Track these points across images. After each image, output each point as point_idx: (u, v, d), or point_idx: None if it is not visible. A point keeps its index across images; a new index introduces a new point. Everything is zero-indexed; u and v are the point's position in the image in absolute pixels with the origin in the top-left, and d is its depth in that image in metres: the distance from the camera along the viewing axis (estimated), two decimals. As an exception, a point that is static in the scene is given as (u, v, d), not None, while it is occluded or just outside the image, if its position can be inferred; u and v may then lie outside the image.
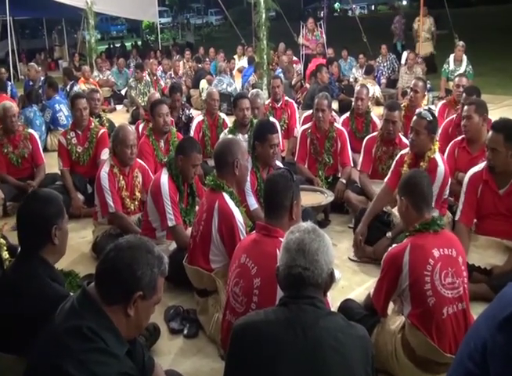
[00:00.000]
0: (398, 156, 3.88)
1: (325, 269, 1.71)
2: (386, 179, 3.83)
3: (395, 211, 3.73)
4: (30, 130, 5.45)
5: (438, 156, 3.62)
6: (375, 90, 8.97)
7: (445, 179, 3.53)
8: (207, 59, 11.86)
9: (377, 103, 8.82)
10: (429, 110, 3.90)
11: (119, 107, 10.74)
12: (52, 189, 2.39)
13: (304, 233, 1.75)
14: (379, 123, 5.33)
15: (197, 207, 3.75)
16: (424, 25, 11.69)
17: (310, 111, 5.69)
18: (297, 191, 2.38)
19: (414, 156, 3.72)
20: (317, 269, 1.69)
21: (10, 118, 5.14)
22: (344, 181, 4.68)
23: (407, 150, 3.81)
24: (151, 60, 11.05)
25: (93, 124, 5.19)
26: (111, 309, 1.60)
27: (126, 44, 25.21)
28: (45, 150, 6.19)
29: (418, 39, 11.53)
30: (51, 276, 2.08)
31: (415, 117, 3.70)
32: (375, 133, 4.61)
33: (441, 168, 3.55)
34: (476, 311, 2.40)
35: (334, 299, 2.49)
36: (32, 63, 11.03)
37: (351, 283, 3.48)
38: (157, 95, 6.15)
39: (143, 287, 1.61)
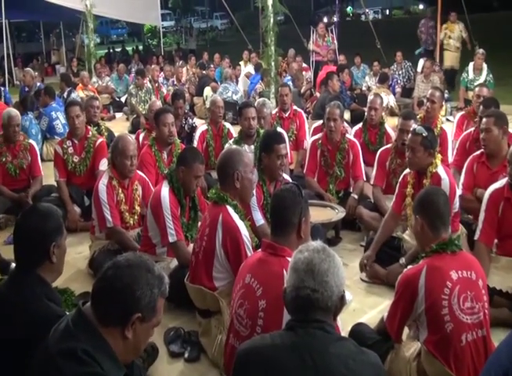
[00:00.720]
0: (401, 177, 3.88)
1: (335, 291, 1.71)
2: (391, 203, 3.85)
3: (406, 236, 3.75)
4: (31, 140, 5.52)
5: (440, 169, 3.63)
6: (389, 100, 9.01)
7: (451, 191, 3.53)
8: (212, 66, 11.97)
9: (392, 113, 8.85)
10: (424, 125, 3.92)
11: (118, 115, 10.85)
12: (50, 203, 2.42)
13: (313, 252, 1.76)
14: (393, 134, 5.34)
15: (200, 223, 3.80)
16: (453, 33, 11.34)
17: (320, 121, 5.73)
18: (306, 207, 2.39)
19: (416, 174, 3.73)
20: (327, 291, 1.69)
21: (13, 127, 5.22)
22: (356, 196, 4.69)
23: (408, 170, 3.82)
24: (152, 66, 11.15)
25: (90, 133, 5.24)
26: (108, 331, 1.61)
27: (128, 48, 25.51)
28: (41, 159, 6.22)
29: (446, 48, 11.31)
30: (48, 295, 2.10)
31: (409, 135, 3.74)
32: (389, 145, 4.63)
33: (446, 180, 3.56)
34: (497, 338, 2.38)
35: (345, 323, 2.49)
36: (28, 69, 11.20)
37: (363, 306, 3.47)
38: (159, 103, 6.21)
39: (142, 308, 1.61)
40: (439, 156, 3.72)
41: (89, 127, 5.36)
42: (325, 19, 17.72)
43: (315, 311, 1.69)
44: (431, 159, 3.63)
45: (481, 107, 4.86)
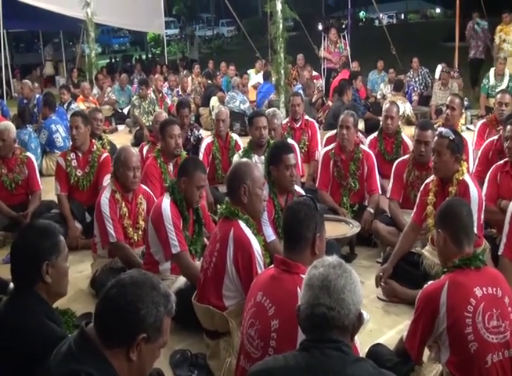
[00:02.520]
0: (422, 186, 3.88)
1: (352, 309, 1.71)
2: (412, 215, 3.84)
3: (426, 252, 3.75)
4: (28, 153, 5.59)
5: (467, 177, 3.63)
6: (405, 108, 9.03)
7: (479, 202, 3.53)
8: (218, 74, 12.07)
9: (408, 122, 8.87)
10: (451, 128, 3.93)
11: (121, 128, 10.96)
12: (50, 221, 2.45)
13: (328, 267, 1.76)
14: (411, 144, 5.35)
15: (205, 240, 3.82)
16: (509, 35, 10.54)
17: (333, 131, 5.76)
18: (321, 222, 2.40)
19: (440, 182, 3.72)
20: (343, 309, 1.69)
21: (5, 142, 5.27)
22: (372, 210, 4.69)
23: (431, 177, 3.82)
24: (156, 76, 11.28)
25: (95, 146, 5.31)
26: (112, 353, 1.62)
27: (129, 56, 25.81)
28: (40, 174, 6.30)
29: (499, 56, 10.04)
30: (48, 315, 2.12)
31: (435, 138, 3.74)
32: (406, 156, 4.64)
33: (474, 189, 3.55)
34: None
35: (362, 344, 2.47)
36: (26, 80, 11.34)
37: (381, 326, 3.46)
38: (164, 115, 6.27)
39: (147, 328, 1.61)
40: (465, 163, 3.72)
41: (94, 140, 5.43)
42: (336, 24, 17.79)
43: (331, 330, 1.69)
44: (458, 166, 3.63)
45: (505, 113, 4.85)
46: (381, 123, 5.84)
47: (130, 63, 20.40)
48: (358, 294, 1.74)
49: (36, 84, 11.43)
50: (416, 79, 11.09)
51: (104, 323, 1.64)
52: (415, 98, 10.56)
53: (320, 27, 15.69)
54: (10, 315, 2.07)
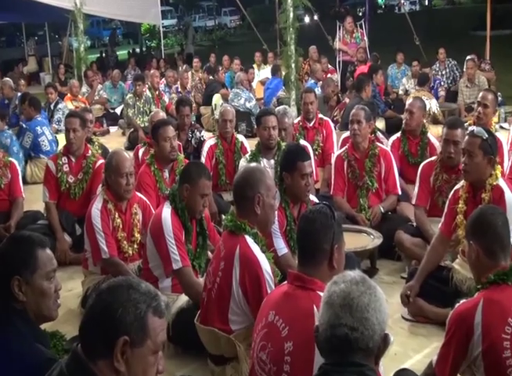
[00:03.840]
0: (451, 193, 3.88)
1: (377, 329, 1.71)
2: (439, 225, 3.84)
3: (456, 265, 3.74)
4: (11, 158, 5.65)
5: (502, 182, 3.62)
6: (431, 105, 9.01)
7: None
8: (220, 69, 12.12)
9: (435, 120, 8.85)
10: (484, 127, 3.93)
11: (113, 129, 11.01)
12: (35, 233, 2.44)
13: (350, 283, 1.77)
14: (438, 145, 5.35)
15: (210, 253, 3.83)
16: None
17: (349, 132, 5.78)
18: (339, 232, 2.41)
19: (471, 187, 3.72)
20: (367, 329, 1.69)
21: None
22: (382, 209, 4.81)
23: (461, 183, 3.82)
24: (152, 71, 11.30)
25: (90, 151, 5.35)
26: (98, 368, 1.62)
27: (122, 52, 25.98)
28: (24, 182, 6.35)
29: None
30: (35, 336, 2.13)
31: (466, 137, 3.74)
32: (433, 158, 4.64)
33: (510, 195, 3.55)
34: None
35: (386, 368, 2.46)
36: (6, 79, 11.43)
37: (407, 349, 3.45)
38: (162, 114, 6.30)
39: (127, 329, 1.60)
40: (499, 166, 3.72)
41: (89, 145, 5.47)
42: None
43: (353, 353, 1.70)
44: (491, 169, 3.62)
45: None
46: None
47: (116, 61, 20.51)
48: (384, 313, 1.74)
49: (22, 82, 11.49)
50: (443, 72, 11.08)
51: (84, 336, 1.65)
52: (442, 93, 10.52)
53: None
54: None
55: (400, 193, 5.00)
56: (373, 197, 4.97)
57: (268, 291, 2.75)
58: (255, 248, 2.85)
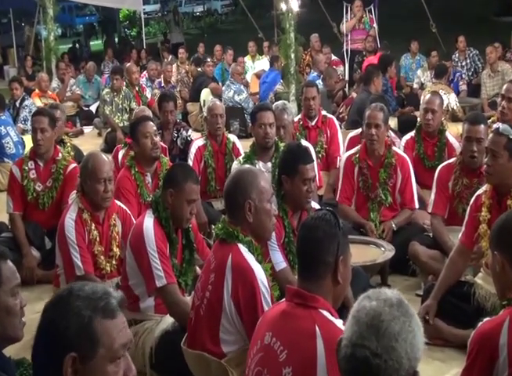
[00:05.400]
0: (472, 199, 3.90)
1: (405, 364, 1.67)
2: (460, 235, 3.87)
3: (479, 280, 3.76)
4: None
5: None
6: (450, 100, 9.06)
7: None
8: (209, 60, 12.10)
9: (454, 118, 8.90)
10: (510, 124, 3.95)
11: (87, 130, 11.04)
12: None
13: (384, 304, 1.75)
14: (457, 146, 5.38)
15: (198, 269, 3.85)
16: None
17: (358, 131, 5.80)
18: (345, 242, 2.42)
19: (495, 192, 3.74)
20: (392, 360, 1.67)
21: None
22: (395, 226, 4.80)
23: (484, 188, 3.84)
24: (128, 64, 11.27)
25: (60, 155, 5.34)
26: None
27: (97, 42, 26.03)
28: (-14, 189, 6.38)
29: None
30: (-1, 364, 2.14)
31: (490, 135, 3.78)
32: (452, 160, 4.67)
33: None
34: None
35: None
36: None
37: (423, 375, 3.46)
38: (148, 111, 6.35)
39: (72, 344, 1.59)
40: None
41: (59, 147, 5.47)
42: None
43: None
44: None
45: None
46: (419, 119, 5.87)
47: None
48: (417, 348, 1.71)
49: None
50: (463, 64, 11.14)
51: (34, 360, 1.66)
52: (463, 88, 10.55)
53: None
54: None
55: (417, 206, 4.98)
56: (385, 212, 4.97)
57: (264, 305, 2.77)
58: (249, 257, 2.87)
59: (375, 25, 11.73)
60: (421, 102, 5.75)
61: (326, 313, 2.26)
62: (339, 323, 2.21)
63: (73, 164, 5.34)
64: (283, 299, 2.43)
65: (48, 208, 5.22)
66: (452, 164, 4.58)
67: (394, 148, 5.08)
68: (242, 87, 10.23)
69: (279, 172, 3.97)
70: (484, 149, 4.34)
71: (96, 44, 26.68)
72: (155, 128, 4.99)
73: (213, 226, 5.38)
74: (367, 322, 1.72)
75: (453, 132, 5.92)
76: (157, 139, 4.94)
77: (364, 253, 4.25)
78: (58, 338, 1.60)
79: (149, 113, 6.28)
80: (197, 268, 3.86)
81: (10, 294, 2.20)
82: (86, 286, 1.67)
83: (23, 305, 2.29)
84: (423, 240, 4.50)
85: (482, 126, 4.38)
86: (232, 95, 9.88)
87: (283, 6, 9.36)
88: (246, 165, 4.39)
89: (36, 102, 10.06)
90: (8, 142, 7.65)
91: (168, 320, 3.49)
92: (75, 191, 5.05)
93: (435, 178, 4.61)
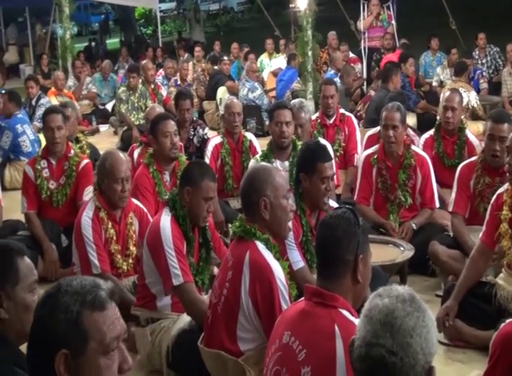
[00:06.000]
0: (493, 198, 3.87)
1: (420, 360, 1.69)
2: (480, 235, 3.84)
3: (501, 280, 3.73)
4: None
5: None
6: (470, 98, 9.00)
7: None
8: (226, 58, 12.12)
9: (474, 116, 8.85)
10: None
11: (103, 128, 11.10)
12: (11, 241, 2.48)
13: (396, 300, 1.75)
14: (477, 144, 5.36)
15: (215, 268, 3.85)
16: None
17: (376, 129, 5.78)
18: (365, 241, 2.42)
19: None
20: (408, 357, 1.68)
21: None
22: (415, 226, 4.75)
23: (506, 186, 3.81)
24: (144, 62, 11.28)
25: (73, 151, 5.37)
26: None
27: (113, 40, 26.14)
28: (3, 188, 6.41)
29: None
30: (16, 361, 2.15)
31: (511, 134, 3.75)
32: (473, 158, 4.65)
33: None
34: None
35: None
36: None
37: (443, 378, 3.45)
38: (160, 109, 6.35)
39: (62, 341, 1.60)
40: None
41: (71, 143, 5.50)
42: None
43: None
44: None
45: None
46: (438, 117, 5.84)
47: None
48: (431, 343, 1.72)
49: (-1, 75, 11.65)
50: (483, 61, 11.06)
51: (28, 360, 1.68)
52: (484, 86, 10.47)
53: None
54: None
55: (438, 206, 4.95)
56: (405, 213, 4.94)
57: (282, 303, 2.78)
58: (267, 255, 2.89)
59: (393, 22, 11.69)
60: (441, 99, 5.70)
61: (345, 313, 2.25)
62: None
63: (86, 160, 5.38)
64: (302, 298, 2.43)
65: (63, 206, 5.25)
66: (474, 162, 4.56)
67: (413, 147, 5.05)
68: (256, 84, 10.23)
69: (298, 170, 3.97)
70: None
71: (112, 42, 26.72)
72: (175, 127, 4.98)
73: (230, 225, 5.42)
74: (381, 319, 1.72)
75: (473, 131, 5.91)
76: (177, 139, 4.94)
77: (383, 252, 4.23)
78: (48, 336, 1.61)
79: (161, 110, 6.28)
80: (214, 268, 3.87)
81: (28, 290, 2.22)
82: (74, 281, 1.67)
83: None
84: (444, 240, 4.48)
85: (506, 125, 4.34)
86: (246, 92, 9.89)
87: (301, 4, 9.34)
88: (261, 163, 4.40)
89: (52, 100, 10.12)
90: (24, 141, 7.71)
91: (185, 319, 3.51)
92: (90, 187, 5.13)
93: (456, 176, 4.59)
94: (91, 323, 1.62)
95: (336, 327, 2.19)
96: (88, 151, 6.14)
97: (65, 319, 1.60)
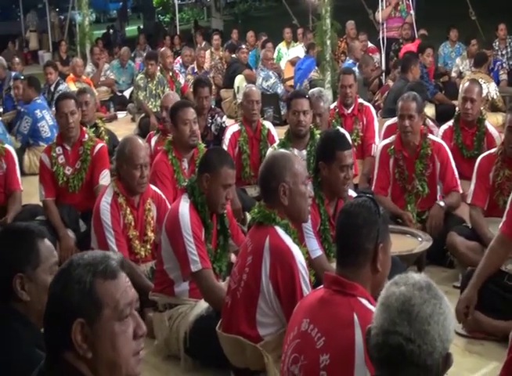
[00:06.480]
0: None
1: (438, 347, 1.70)
2: (500, 225, 3.81)
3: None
4: (7, 145, 5.73)
5: None
6: (490, 89, 8.93)
7: None
8: (244, 47, 12.11)
9: (493, 107, 8.78)
10: None
11: (121, 115, 11.14)
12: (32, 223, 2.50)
13: (413, 288, 1.76)
14: (497, 136, 5.32)
15: (232, 255, 3.86)
16: None
17: (394, 119, 5.74)
18: (385, 229, 2.41)
19: None
20: (426, 344, 1.68)
21: None
22: (443, 203, 4.70)
23: None
24: (162, 49, 11.32)
25: (87, 136, 5.36)
26: (67, 361, 1.66)
27: (131, 27, 26.18)
28: (22, 173, 6.44)
29: None
30: (37, 341, 2.17)
31: None
32: (493, 150, 4.62)
33: None
34: None
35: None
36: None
37: (461, 369, 3.41)
38: (174, 97, 6.34)
39: (77, 310, 1.63)
40: None
41: (85, 128, 5.52)
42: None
43: (407, 368, 1.69)
44: None
45: None
46: (457, 108, 5.80)
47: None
48: (448, 330, 1.73)
49: (17, 60, 11.67)
50: (503, 52, 10.96)
51: (45, 332, 1.71)
52: (504, 77, 10.38)
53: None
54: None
55: (461, 190, 4.91)
56: (423, 203, 4.91)
57: (303, 286, 2.80)
58: (287, 239, 2.91)
59: (412, 12, 11.57)
60: (460, 90, 5.66)
61: (364, 301, 2.25)
62: (377, 311, 2.20)
63: (101, 144, 5.37)
64: (321, 286, 2.43)
65: (79, 191, 5.25)
66: (494, 154, 4.53)
67: (430, 136, 5.02)
68: (270, 72, 10.20)
69: (317, 159, 3.97)
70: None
71: (130, 29, 26.77)
72: (195, 115, 4.98)
73: (247, 213, 5.42)
74: (398, 307, 1.73)
75: (493, 122, 5.88)
76: (196, 127, 4.93)
77: (400, 243, 4.20)
78: (63, 308, 1.64)
79: (176, 97, 6.28)
80: (232, 255, 3.88)
81: (49, 272, 2.24)
82: (85, 255, 1.72)
83: None
84: (462, 231, 4.46)
85: None
86: (261, 81, 9.86)
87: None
88: (280, 150, 4.39)
89: (70, 86, 10.15)
90: (43, 126, 7.75)
91: (203, 305, 3.53)
92: (105, 171, 5.15)
93: (475, 168, 4.57)
94: (104, 291, 1.66)
95: (355, 316, 2.19)
96: (106, 137, 6.16)
97: (78, 290, 1.64)
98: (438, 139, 5.08)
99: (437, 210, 4.71)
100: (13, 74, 10.34)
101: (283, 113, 9.59)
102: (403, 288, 1.76)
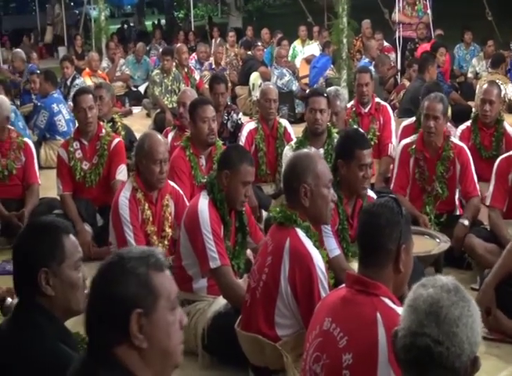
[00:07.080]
0: None
1: (466, 349, 1.68)
2: None
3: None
4: (26, 139, 5.76)
5: None
6: (507, 90, 8.90)
7: None
8: (260, 44, 12.08)
9: (510, 108, 8.75)
10: None
11: (136, 110, 11.16)
12: (57, 218, 2.51)
13: (441, 290, 1.75)
14: (517, 136, 5.30)
15: (250, 252, 3.86)
16: None
17: (411, 120, 5.73)
18: (408, 230, 2.41)
19: None
20: (454, 346, 1.67)
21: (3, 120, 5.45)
22: (467, 222, 4.61)
23: None
24: (178, 45, 11.34)
25: (104, 131, 5.39)
26: (119, 356, 1.67)
27: (146, 23, 26.20)
28: (39, 166, 6.47)
29: None
30: (60, 336, 2.19)
31: None
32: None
33: None
34: None
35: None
36: (17, 50, 11.68)
37: (479, 372, 3.36)
38: (191, 93, 6.33)
39: (135, 301, 1.66)
40: None
41: (102, 123, 5.53)
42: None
43: (435, 370, 1.69)
44: None
45: None
46: (474, 109, 5.78)
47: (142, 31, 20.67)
48: (476, 332, 1.72)
49: (34, 54, 11.75)
50: (520, 52, 10.89)
51: (92, 330, 1.71)
52: (521, 77, 10.35)
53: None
54: (14, 337, 2.14)
55: (479, 194, 4.86)
56: (442, 205, 4.89)
57: (321, 290, 2.79)
58: (307, 242, 2.90)
59: (429, 11, 11.53)
60: (477, 92, 5.65)
61: (387, 301, 2.25)
62: (400, 310, 2.19)
63: (117, 139, 5.41)
64: (343, 285, 2.42)
65: (97, 185, 5.28)
66: (512, 155, 4.51)
67: (452, 138, 4.98)
68: (284, 70, 10.17)
69: (336, 157, 3.96)
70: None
71: (146, 25, 26.75)
72: (214, 113, 4.98)
73: (263, 211, 5.42)
74: (426, 309, 1.72)
75: (510, 124, 5.81)
76: (215, 125, 4.93)
77: (418, 243, 4.15)
78: (120, 300, 1.66)
79: (192, 94, 6.27)
80: (249, 252, 3.88)
81: (73, 267, 2.24)
82: (130, 250, 1.77)
83: (86, 278, 2.34)
84: (480, 233, 4.44)
85: None
86: (276, 79, 9.84)
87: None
88: (305, 150, 4.37)
89: (86, 81, 10.20)
90: (60, 120, 7.77)
91: (221, 302, 3.53)
92: (122, 165, 5.16)
93: (494, 169, 4.55)
94: (159, 282, 1.71)
95: (378, 315, 2.18)
96: (123, 132, 6.18)
97: (135, 281, 1.68)
98: (460, 142, 5.04)
99: (461, 231, 4.56)
100: (30, 65, 10.37)
101: (297, 111, 9.59)
102: (431, 290, 1.76)
